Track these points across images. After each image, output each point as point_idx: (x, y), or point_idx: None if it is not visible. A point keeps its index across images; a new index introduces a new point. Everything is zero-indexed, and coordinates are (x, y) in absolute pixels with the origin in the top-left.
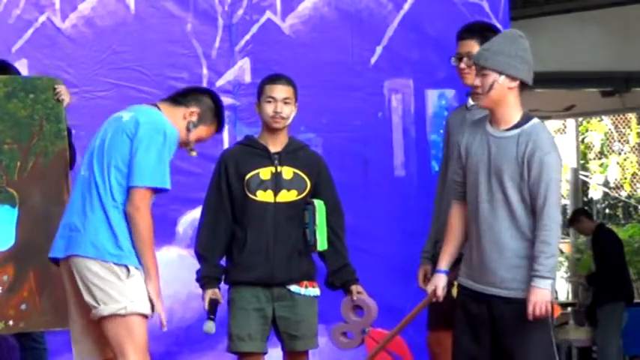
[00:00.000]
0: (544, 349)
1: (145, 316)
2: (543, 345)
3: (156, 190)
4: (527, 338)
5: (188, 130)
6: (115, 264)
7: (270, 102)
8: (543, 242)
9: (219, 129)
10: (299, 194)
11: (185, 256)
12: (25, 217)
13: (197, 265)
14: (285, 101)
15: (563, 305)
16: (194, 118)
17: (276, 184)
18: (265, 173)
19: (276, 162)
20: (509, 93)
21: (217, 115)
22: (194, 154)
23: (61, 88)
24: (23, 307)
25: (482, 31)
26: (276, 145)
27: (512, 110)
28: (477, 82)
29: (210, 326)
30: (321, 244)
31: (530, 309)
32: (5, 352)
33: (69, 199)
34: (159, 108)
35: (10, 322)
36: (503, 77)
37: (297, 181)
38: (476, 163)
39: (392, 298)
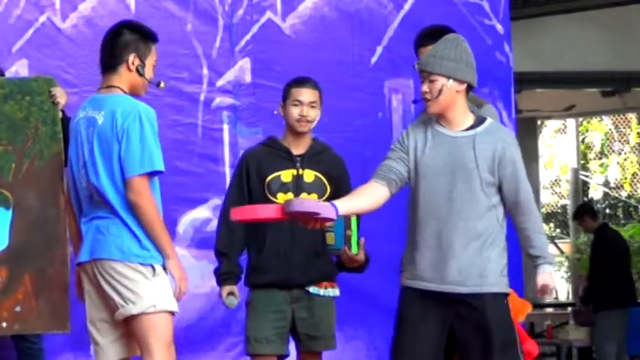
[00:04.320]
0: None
1: (172, 313)
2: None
3: (150, 175)
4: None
5: (142, 74)
6: (141, 264)
7: (296, 105)
8: (536, 231)
9: (155, 40)
10: (319, 197)
11: (186, 256)
12: (20, 219)
13: (197, 265)
14: (311, 105)
15: (563, 305)
16: (137, 62)
17: (298, 186)
18: (287, 175)
19: (298, 165)
20: (458, 96)
21: (145, 35)
22: (163, 85)
23: (57, 90)
24: (18, 309)
25: (444, 35)
26: (298, 148)
27: (462, 112)
28: (425, 88)
29: (232, 300)
30: (354, 247)
31: None
32: (4, 351)
33: (72, 208)
34: (114, 87)
35: (4, 324)
36: (451, 81)
37: (318, 185)
38: (432, 161)
39: (392, 298)
